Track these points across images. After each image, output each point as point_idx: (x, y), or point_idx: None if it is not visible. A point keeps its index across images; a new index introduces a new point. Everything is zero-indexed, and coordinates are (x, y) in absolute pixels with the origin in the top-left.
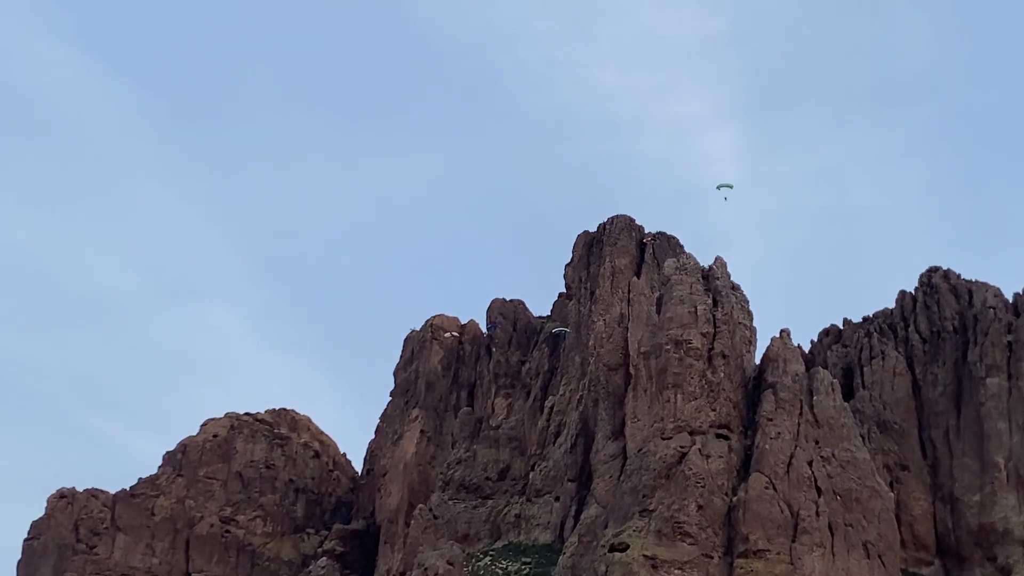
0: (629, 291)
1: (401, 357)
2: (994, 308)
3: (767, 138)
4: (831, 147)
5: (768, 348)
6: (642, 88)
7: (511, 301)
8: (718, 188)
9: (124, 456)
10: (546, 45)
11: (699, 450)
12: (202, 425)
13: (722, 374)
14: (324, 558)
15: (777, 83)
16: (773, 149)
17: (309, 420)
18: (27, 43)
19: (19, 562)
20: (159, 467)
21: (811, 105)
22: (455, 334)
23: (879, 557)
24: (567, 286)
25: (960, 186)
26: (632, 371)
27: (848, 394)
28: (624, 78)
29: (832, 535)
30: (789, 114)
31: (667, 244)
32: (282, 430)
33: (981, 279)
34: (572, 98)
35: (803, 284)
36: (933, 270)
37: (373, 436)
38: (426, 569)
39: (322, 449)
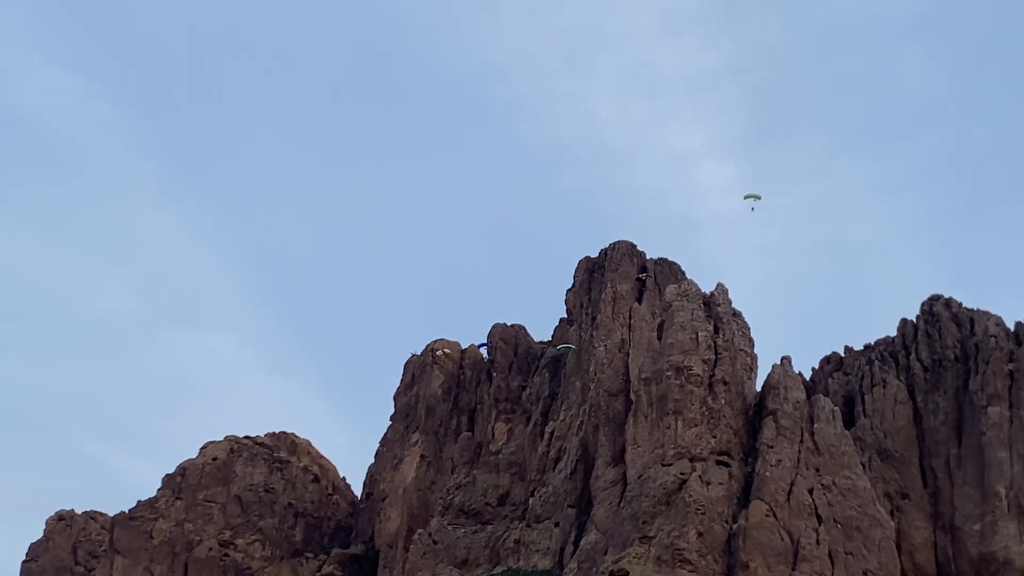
0: (630, 317)
1: (401, 381)
2: (995, 337)
3: (765, 170)
4: (829, 179)
5: (769, 375)
6: (640, 120)
7: (512, 326)
8: (745, 199)
9: (123, 480)
10: (545, 77)
11: (699, 477)
12: (201, 448)
13: (723, 401)
14: None
15: (774, 116)
16: (771, 181)
17: (309, 444)
18: (29, 70)
19: None
20: (158, 490)
21: (808, 138)
22: (446, 351)
23: None
24: (568, 311)
25: (958, 218)
26: (633, 397)
27: (849, 422)
28: (622, 110)
29: (832, 563)
30: (786, 146)
31: (668, 270)
32: (282, 454)
33: (982, 308)
34: (571, 130)
35: (804, 312)
36: (935, 298)
37: (373, 460)
38: None
39: (322, 473)
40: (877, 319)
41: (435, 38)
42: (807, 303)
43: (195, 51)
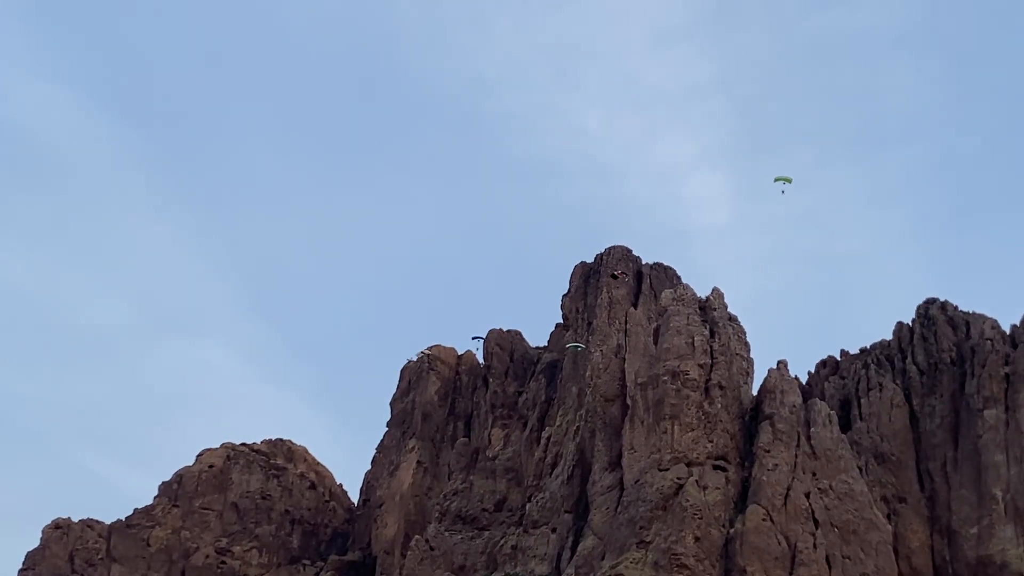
0: (626, 322)
1: (398, 388)
2: (991, 340)
3: (754, 181)
4: (819, 190)
5: (765, 379)
6: (630, 133)
7: (508, 331)
8: (776, 181)
9: (119, 490)
10: (535, 90)
11: (696, 481)
12: (198, 455)
13: (719, 405)
14: None
15: (764, 127)
16: (760, 192)
17: (305, 450)
18: (24, 85)
19: None
20: (155, 497)
21: (797, 149)
22: (427, 352)
23: None
24: (564, 317)
25: (949, 226)
26: (629, 402)
27: (845, 426)
28: (612, 123)
29: (830, 567)
30: (776, 158)
31: (664, 275)
32: (278, 460)
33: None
34: (561, 142)
35: (798, 318)
36: (930, 302)
37: (370, 467)
38: None
39: (318, 480)
40: (871, 324)
41: (427, 52)
42: (801, 310)
43: (188, 64)
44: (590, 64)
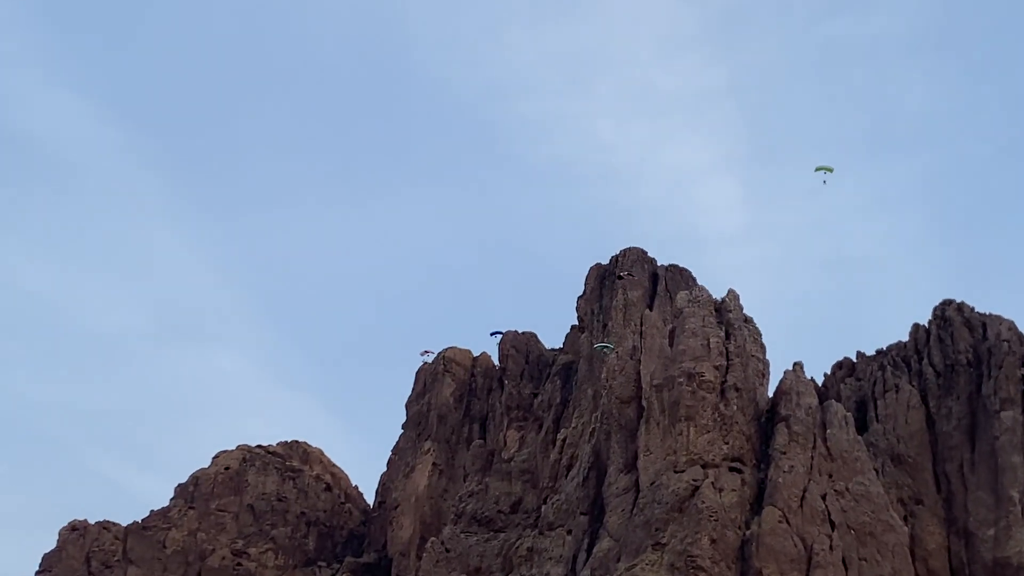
0: (642, 323)
1: (413, 390)
2: (1008, 341)
3: (766, 187)
4: (830, 195)
5: (781, 381)
6: (642, 139)
7: (523, 334)
8: (816, 171)
9: (135, 494)
10: (548, 97)
11: (712, 483)
12: (214, 457)
13: (735, 407)
14: None
15: (774, 134)
16: (772, 198)
17: (321, 452)
18: (37, 93)
19: None
20: (171, 499)
21: (808, 155)
22: (429, 351)
23: None
24: (579, 319)
25: (960, 231)
26: (645, 404)
27: (862, 427)
28: (624, 129)
29: (846, 569)
30: (787, 164)
31: (679, 276)
32: (294, 462)
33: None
34: (574, 148)
35: (813, 321)
36: (947, 303)
37: (385, 468)
38: None
39: (334, 481)
40: (887, 326)
41: (441, 59)
42: (816, 313)
43: (203, 72)
44: (602, 71)
